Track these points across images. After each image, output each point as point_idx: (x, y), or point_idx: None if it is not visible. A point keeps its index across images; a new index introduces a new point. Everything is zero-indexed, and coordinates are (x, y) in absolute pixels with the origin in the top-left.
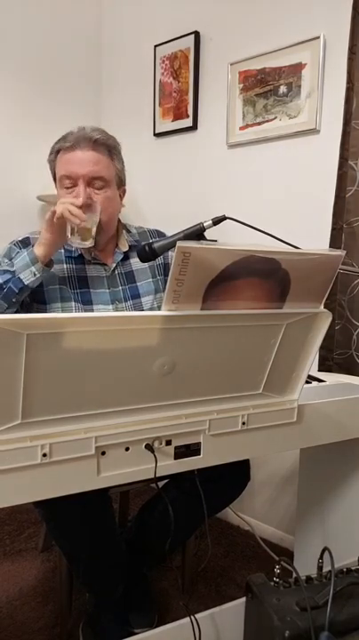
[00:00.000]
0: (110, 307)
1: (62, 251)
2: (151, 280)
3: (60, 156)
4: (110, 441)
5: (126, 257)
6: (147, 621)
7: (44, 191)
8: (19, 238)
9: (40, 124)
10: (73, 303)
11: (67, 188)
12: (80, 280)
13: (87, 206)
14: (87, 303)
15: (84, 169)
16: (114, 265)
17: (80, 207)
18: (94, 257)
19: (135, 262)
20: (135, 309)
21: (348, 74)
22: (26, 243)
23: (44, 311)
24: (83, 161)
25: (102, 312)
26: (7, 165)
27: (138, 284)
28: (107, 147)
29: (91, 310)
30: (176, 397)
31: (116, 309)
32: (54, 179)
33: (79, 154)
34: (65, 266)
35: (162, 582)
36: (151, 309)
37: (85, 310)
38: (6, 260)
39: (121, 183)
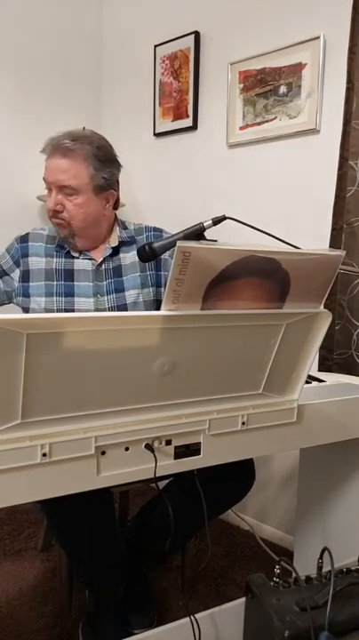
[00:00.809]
0: (91, 299)
1: (53, 245)
2: (138, 274)
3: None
4: (110, 441)
5: (116, 252)
6: (147, 621)
7: (44, 191)
8: (22, 233)
9: (40, 124)
10: (54, 298)
11: (49, 190)
12: (66, 273)
13: (56, 212)
14: (69, 295)
15: (52, 177)
16: (101, 259)
17: (51, 212)
18: (83, 253)
19: (124, 257)
20: (117, 303)
21: (348, 74)
22: (24, 239)
23: (29, 305)
24: (52, 169)
25: (82, 304)
26: (7, 165)
27: (124, 278)
28: (81, 154)
29: (72, 302)
30: (176, 397)
31: (97, 302)
32: None
33: (51, 161)
34: (54, 259)
35: (162, 582)
36: (134, 303)
37: (66, 302)
38: (2, 252)
39: (103, 188)
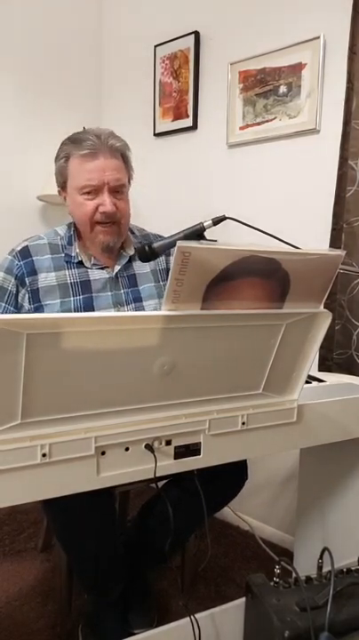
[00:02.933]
0: (112, 310)
1: (62, 255)
2: (153, 285)
3: (79, 163)
4: (110, 441)
5: (129, 260)
6: (147, 621)
7: (44, 191)
8: (18, 248)
9: (40, 125)
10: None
11: (89, 194)
12: (83, 285)
13: (110, 215)
14: (88, 309)
15: (109, 177)
16: (118, 268)
17: (102, 215)
18: (94, 263)
19: (137, 266)
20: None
21: (348, 74)
22: (25, 254)
23: None
24: (106, 169)
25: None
26: (7, 165)
27: (140, 287)
28: (122, 153)
29: None
30: (176, 397)
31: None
32: (62, 183)
33: (102, 162)
34: (67, 272)
35: (162, 582)
36: None
37: None
38: (1, 275)
39: (129, 187)
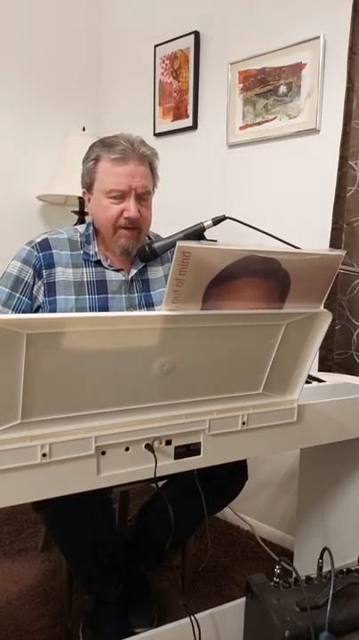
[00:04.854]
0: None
1: (80, 253)
2: (164, 290)
3: (109, 166)
4: (110, 441)
5: (145, 265)
6: (147, 621)
7: (44, 191)
8: (38, 239)
9: (40, 125)
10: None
11: (115, 198)
12: (99, 284)
13: (134, 220)
14: (103, 309)
15: (137, 183)
16: (134, 271)
17: (126, 221)
18: (110, 264)
19: (151, 271)
20: None
21: (348, 74)
22: (45, 246)
23: None
24: (135, 175)
25: None
26: (8, 165)
27: (152, 292)
28: (151, 161)
29: None
30: (176, 397)
31: None
32: (88, 184)
33: (131, 168)
34: (84, 270)
35: (162, 582)
36: None
37: None
38: (18, 265)
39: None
